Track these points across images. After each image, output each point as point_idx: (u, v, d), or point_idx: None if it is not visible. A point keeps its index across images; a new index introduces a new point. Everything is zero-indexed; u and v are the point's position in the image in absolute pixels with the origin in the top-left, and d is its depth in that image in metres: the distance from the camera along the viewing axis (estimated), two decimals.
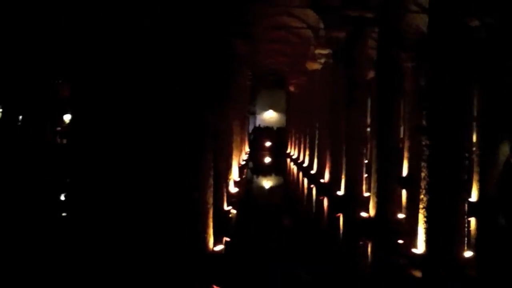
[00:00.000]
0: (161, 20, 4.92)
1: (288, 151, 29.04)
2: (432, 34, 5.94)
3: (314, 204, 12.69)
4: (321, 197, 12.69)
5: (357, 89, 10.54)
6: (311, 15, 14.36)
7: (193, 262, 5.40)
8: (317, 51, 15.17)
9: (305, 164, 19.00)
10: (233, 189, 10.50)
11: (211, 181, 5.86)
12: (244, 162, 19.44)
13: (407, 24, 9.11)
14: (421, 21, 12.61)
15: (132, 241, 4.68)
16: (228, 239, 7.13)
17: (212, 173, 5.88)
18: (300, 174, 19.12)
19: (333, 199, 11.32)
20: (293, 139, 26.86)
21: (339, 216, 10.18)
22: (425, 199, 5.76)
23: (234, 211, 8.92)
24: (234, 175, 12.11)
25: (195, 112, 5.40)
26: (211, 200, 5.81)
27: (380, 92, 8.38)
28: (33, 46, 10.96)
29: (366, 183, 10.48)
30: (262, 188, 16.09)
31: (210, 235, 5.75)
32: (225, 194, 8.45)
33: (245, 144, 22.23)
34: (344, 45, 11.13)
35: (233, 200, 9.59)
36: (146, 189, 4.80)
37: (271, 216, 10.58)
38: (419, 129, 5.98)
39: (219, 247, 5.88)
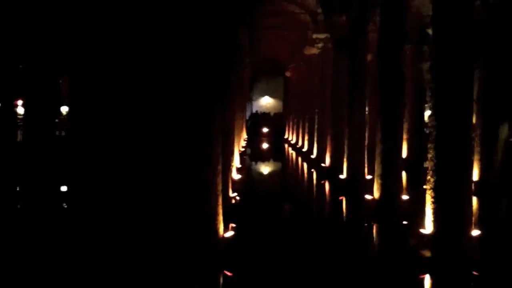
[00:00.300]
0: (161, 17, 4.89)
1: (286, 136, 29.10)
2: (435, 16, 5.95)
3: (317, 188, 12.77)
4: (323, 181, 12.76)
5: (359, 73, 10.56)
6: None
7: (204, 248, 5.45)
8: (315, 36, 15.14)
9: (305, 149, 19.06)
10: (236, 176, 10.54)
11: (220, 168, 5.90)
12: (243, 149, 19.49)
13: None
14: (421, 4, 12.62)
15: (132, 238, 4.69)
16: (234, 225, 7.20)
17: (220, 161, 5.92)
18: (299, 159, 19.19)
19: (336, 182, 11.39)
20: (291, 124, 26.89)
21: (342, 199, 10.27)
22: (432, 180, 5.82)
23: (238, 198, 8.97)
24: (236, 162, 12.15)
25: (197, 110, 5.42)
26: (220, 187, 5.85)
27: (381, 78, 8.40)
28: (34, 44, 10.94)
29: (367, 166, 10.56)
30: (263, 174, 16.16)
31: (220, 222, 5.80)
32: (230, 180, 8.50)
33: (243, 131, 22.25)
34: (345, 29, 11.10)
35: (236, 186, 9.64)
36: (145, 189, 4.81)
37: (275, 201, 10.65)
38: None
39: (229, 234, 5.93)
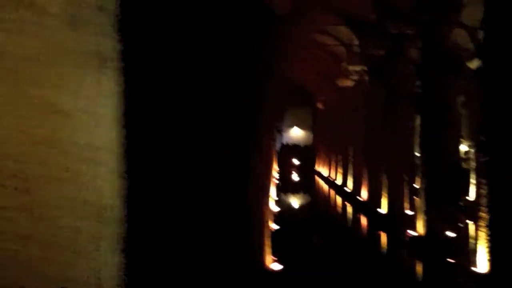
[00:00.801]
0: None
1: (316, 168, 28.92)
2: (485, 56, 5.89)
3: (354, 222, 12.57)
4: (358, 215, 12.56)
5: (398, 106, 10.46)
6: (343, 31, 14.39)
7: (250, 281, 5.36)
8: (351, 68, 15.12)
9: (339, 182, 18.84)
10: (274, 207, 10.46)
11: (268, 199, 5.87)
12: (277, 181, 19.42)
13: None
14: (459, 36, 12.53)
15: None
16: (275, 258, 7.08)
17: (269, 191, 5.89)
18: (332, 192, 18.98)
19: (374, 217, 11.16)
20: (322, 156, 26.75)
21: (380, 234, 10.06)
22: (486, 217, 5.64)
23: (277, 229, 8.88)
24: (273, 194, 12.08)
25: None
26: (268, 218, 5.80)
27: (424, 110, 8.32)
28: None
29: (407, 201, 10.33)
30: (297, 206, 16.01)
31: (267, 253, 5.73)
32: (270, 212, 8.43)
33: (275, 163, 22.22)
34: (383, 63, 11.08)
35: (275, 219, 9.56)
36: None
37: (313, 234, 10.48)
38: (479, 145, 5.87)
39: (276, 266, 5.83)
